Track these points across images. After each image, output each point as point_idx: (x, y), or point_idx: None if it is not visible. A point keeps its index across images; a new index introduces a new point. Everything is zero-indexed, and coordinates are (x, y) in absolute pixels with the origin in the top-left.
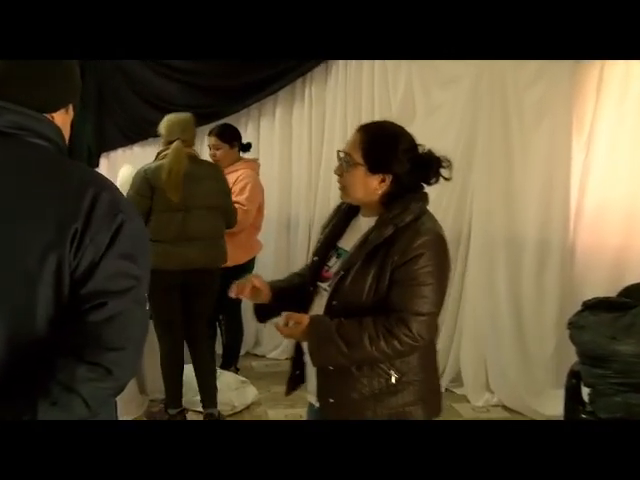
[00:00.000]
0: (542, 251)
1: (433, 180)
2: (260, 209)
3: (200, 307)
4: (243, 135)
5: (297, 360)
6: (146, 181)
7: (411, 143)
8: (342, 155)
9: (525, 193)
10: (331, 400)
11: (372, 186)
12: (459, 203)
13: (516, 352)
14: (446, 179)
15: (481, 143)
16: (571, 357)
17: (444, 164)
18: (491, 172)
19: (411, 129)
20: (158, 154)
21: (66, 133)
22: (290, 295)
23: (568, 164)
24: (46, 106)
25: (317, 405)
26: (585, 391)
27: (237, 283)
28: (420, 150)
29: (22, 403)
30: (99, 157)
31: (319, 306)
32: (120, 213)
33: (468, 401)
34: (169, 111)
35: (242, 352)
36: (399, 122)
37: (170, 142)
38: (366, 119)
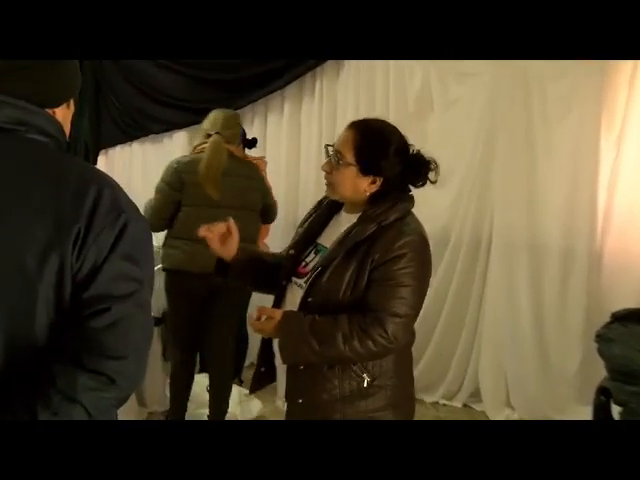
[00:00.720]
0: (567, 257)
1: (420, 183)
2: None
3: (223, 314)
4: (249, 132)
5: (264, 357)
6: (177, 174)
7: (403, 144)
8: (332, 152)
9: (549, 194)
10: (300, 400)
11: (362, 187)
12: (479, 205)
13: (538, 365)
14: (432, 182)
15: (501, 140)
16: (598, 372)
17: (432, 167)
18: (512, 172)
19: (428, 125)
20: (195, 147)
21: (67, 129)
22: (256, 265)
23: (596, 164)
24: (48, 101)
25: (284, 407)
26: (616, 409)
27: (208, 225)
28: (411, 150)
29: (21, 412)
30: (97, 154)
31: (292, 303)
32: (123, 213)
33: (487, 418)
34: (170, 105)
35: (247, 362)
36: (416, 117)
37: (209, 136)
38: (381, 115)
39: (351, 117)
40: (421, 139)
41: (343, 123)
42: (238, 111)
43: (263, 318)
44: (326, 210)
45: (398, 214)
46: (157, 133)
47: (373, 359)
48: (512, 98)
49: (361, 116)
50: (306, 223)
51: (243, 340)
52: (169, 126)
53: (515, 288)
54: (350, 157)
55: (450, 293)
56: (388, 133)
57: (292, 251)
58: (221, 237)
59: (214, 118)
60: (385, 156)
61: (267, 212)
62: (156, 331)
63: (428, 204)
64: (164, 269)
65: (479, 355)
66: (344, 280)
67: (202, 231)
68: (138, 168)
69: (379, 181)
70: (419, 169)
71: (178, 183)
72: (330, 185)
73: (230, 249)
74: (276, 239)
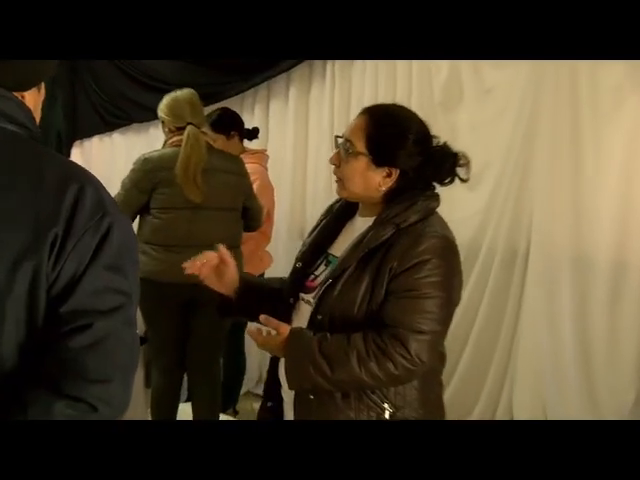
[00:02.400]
0: (618, 274)
1: (447, 180)
2: (269, 214)
3: (205, 332)
4: (249, 121)
5: (270, 389)
6: (147, 172)
7: (424, 133)
8: (341, 141)
9: (598, 200)
10: None
11: (374, 181)
12: (515, 212)
13: (583, 403)
14: (463, 180)
15: (543, 136)
16: None
17: (461, 162)
18: (555, 172)
19: (457, 117)
20: (165, 142)
21: (37, 116)
22: (262, 296)
23: None
24: (16, 83)
25: None
26: None
27: (195, 258)
28: (434, 142)
29: None
30: (70, 146)
31: (300, 323)
32: (108, 214)
33: None
34: (159, 90)
35: (242, 391)
36: (443, 108)
37: (179, 128)
38: (401, 102)
39: (368, 103)
40: (449, 133)
41: (357, 111)
42: (237, 97)
43: (265, 332)
44: (338, 215)
45: (419, 214)
46: (142, 122)
47: (394, 385)
48: (556, 86)
49: (379, 102)
50: (315, 231)
51: (239, 365)
52: (156, 114)
53: (556, 309)
54: (361, 145)
55: (480, 313)
56: (406, 118)
57: (299, 264)
58: (215, 270)
59: (178, 106)
60: (402, 144)
61: (249, 217)
62: None
63: (455, 208)
64: None
65: (513, 385)
66: (358, 293)
67: (190, 269)
68: (120, 162)
69: (395, 174)
70: (443, 162)
71: (147, 185)
72: (339, 181)
73: (229, 282)
74: (280, 252)
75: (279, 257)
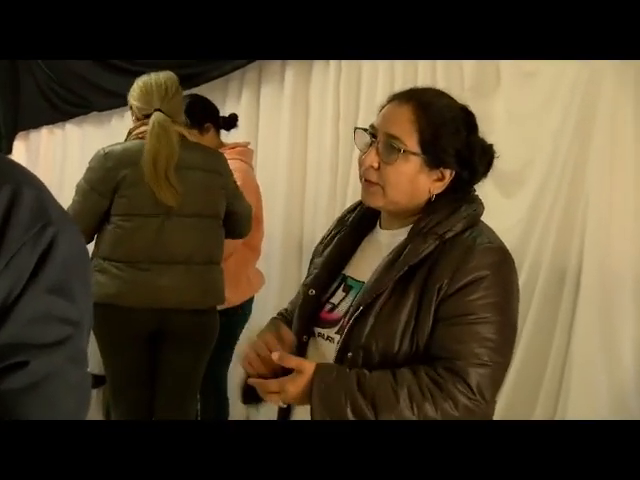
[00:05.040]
0: None
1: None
2: (258, 221)
3: (180, 367)
4: (236, 107)
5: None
6: (108, 171)
7: (474, 126)
8: (384, 138)
9: None
10: None
11: (424, 186)
12: (564, 220)
13: None
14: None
15: (599, 130)
16: None
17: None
18: (614, 175)
19: (491, 106)
20: (130, 132)
21: None
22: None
23: None
24: None
25: None
26: None
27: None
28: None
29: None
30: (12, 139)
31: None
32: (51, 224)
33: None
34: (126, 72)
35: None
36: (474, 95)
37: (147, 116)
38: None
39: (381, 90)
40: (481, 126)
41: (369, 98)
42: (220, 80)
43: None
44: (352, 229)
45: (465, 222)
46: (103, 110)
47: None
48: (617, 69)
49: (396, 89)
50: (328, 249)
51: (219, 409)
52: (121, 101)
53: (615, 338)
54: (412, 143)
55: (523, 341)
56: (459, 110)
57: (312, 291)
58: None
59: (146, 89)
60: (459, 140)
61: (235, 222)
62: (95, 395)
63: (489, 218)
64: None
65: (565, 415)
66: (399, 322)
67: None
68: (74, 159)
69: (449, 177)
70: (484, 159)
71: (108, 185)
72: (374, 186)
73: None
74: (272, 269)
75: (272, 277)
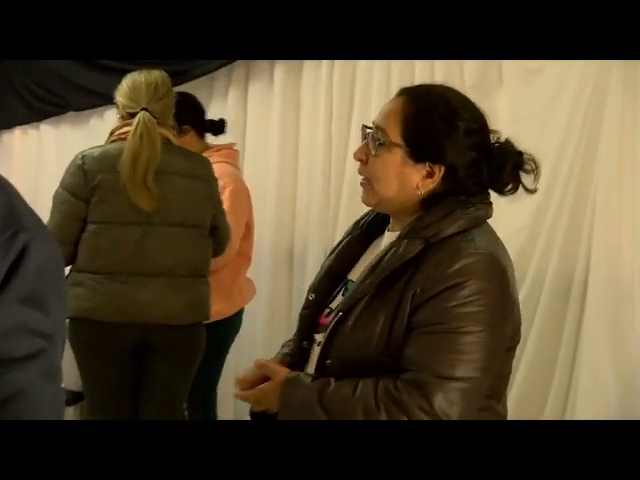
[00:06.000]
0: None
1: (509, 187)
2: (249, 228)
3: (164, 385)
4: (221, 109)
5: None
6: (84, 175)
7: (478, 121)
8: (370, 131)
9: None
10: None
11: (412, 181)
12: (570, 225)
13: None
14: (528, 191)
15: (608, 130)
16: None
17: (527, 166)
18: (623, 177)
19: (494, 104)
20: (112, 133)
21: None
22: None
23: None
24: None
25: None
26: None
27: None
28: (494, 138)
29: None
30: None
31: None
32: (23, 231)
33: None
34: (107, 70)
35: None
36: (476, 93)
37: (132, 115)
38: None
39: (377, 89)
40: None
41: (363, 97)
42: (206, 78)
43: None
44: (362, 234)
45: (459, 225)
46: (80, 110)
47: None
48: (627, 66)
49: (393, 87)
50: (334, 252)
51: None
52: (101, 100)
53: (626, 351)
54: (395, 134)
55: (526, 353)
56: (454, 101)
57: (312, 295)
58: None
59: (133, 86)
60: (449, 134)
61: (215, 238)
62: (72, 413)
63: (494, 222)
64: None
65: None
66: (375, 329)
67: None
68: (49, 162)
69: (438, 173)
70: (505, 163)
71: (86, 189)
72: (366, 183)
73: None
74: (263, 278)
75: (261, 287)
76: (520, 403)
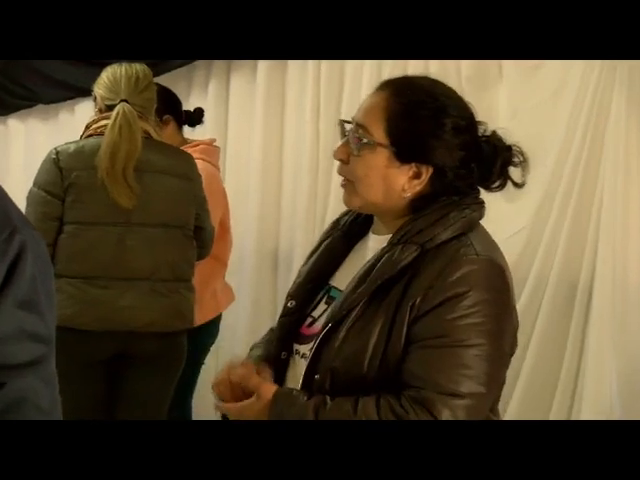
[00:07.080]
0: None
1: (497, 183)
2: (224, 227)
3: (143, 396)
4: (201, 101)
5: None
6: (59, 172)
7: (468, 117)
8: (351, 127)
9: None
10: None
11: (397, 183)
12: (574, 226)
13: None
14: (517, 185)
15: (614, 127)
16: None
17: (515, 159)
18: (629, 175)
19: (494, 100)
20: (88, 126)
21: None
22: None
23: None
24: None
25: None
26: None
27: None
28: (481, 131)
29: None
30: None
31: (296, 385)
32: (17, 232)
33: None
34: (79, 62)
35: None
36: (474, 88)
37: (111, 108)
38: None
39: (367, 84)
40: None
41: (354, 89)
42: (184, 69)
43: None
44: (346, 233)
45: (454, 229)
46: (50, 103)
47: None
48: (632, 62)
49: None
50: (314, 256)
51: None
52: (72, 93)
53: (634, 359)
54: (379, 133)
55: (526, 363)
56: (442, 97)
57: (292, 302)
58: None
59: (113, 78)
60: (437, 132)
61: (199, 239)
62: None
63: (490, 224)
64: None
65: None
66: (369, 342)
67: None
68: (17, 157)
69: (426, 174)
70: (494, 160)
71: (61, 187)
72: (347, 184)
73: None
74: (244, 283)
75: (243, 294)
76: (524, 409)
